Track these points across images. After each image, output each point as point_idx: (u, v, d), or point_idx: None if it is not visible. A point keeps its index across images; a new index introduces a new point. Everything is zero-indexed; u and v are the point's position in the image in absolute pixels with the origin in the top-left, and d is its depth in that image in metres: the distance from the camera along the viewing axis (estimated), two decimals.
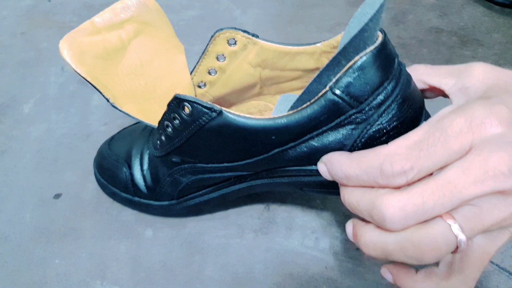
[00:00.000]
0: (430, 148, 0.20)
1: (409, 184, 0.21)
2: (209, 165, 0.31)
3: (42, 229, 0.38)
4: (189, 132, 0.29)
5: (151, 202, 0.37)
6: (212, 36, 0.33)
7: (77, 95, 0.52)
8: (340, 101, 0.24)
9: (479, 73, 0.24)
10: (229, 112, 0.26)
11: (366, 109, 0.24)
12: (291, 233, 0.37)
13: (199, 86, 0.36)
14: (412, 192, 0.20)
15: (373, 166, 0.21)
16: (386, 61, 0.24)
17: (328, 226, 0.37)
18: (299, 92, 0.36)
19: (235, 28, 0.33)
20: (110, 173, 0.38)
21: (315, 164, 0.26)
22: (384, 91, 0.24)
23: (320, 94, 0.24)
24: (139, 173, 0.36)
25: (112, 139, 0.41)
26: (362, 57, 0.23)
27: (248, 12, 0.64)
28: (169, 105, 0.29)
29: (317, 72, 0.31)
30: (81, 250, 0.36)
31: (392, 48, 0.25)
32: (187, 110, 0.28)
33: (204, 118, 0.27)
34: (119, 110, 0.31)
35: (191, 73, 0.36)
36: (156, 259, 0.36)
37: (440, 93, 0.26)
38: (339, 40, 0.30)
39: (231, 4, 0.66)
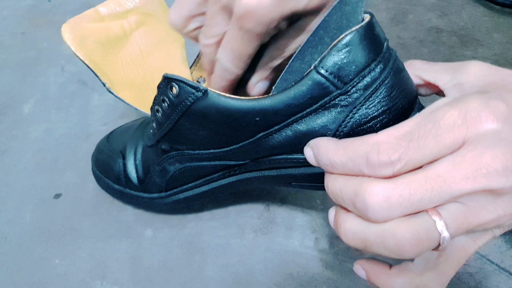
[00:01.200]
0: (420, 139, 0.19)
1: (396, 176, 0.20)
2: (196, 152, 0.31)
3: (42, 229, 0.38)
4: (177, 115, 0.29)
5: (141, 194, 0.37)
6: None
7: (77, 95, 0.52)
8: (325, 80, 0.23)
9: (476, 71, 0.23)
10: (214, 92, 0.26)
11: (352, 91, 0.23)
12: (291, 233, 0.37)
13: (198, 82, 0.37)
14: (399, 183, 0.19)
15: (359, 154, 0.20)
16: (374, 42, 0.23)
17: (328, 226, 0.37)
18: None
19: None
20: (105, 165, 0.38)
21: (302, 153, 0.26)
22: (371, 73, 0.23)
23: (305, 73, 0.24)
24: (132, 164, 0.37)
25: (111, 133, 0.41)
26: (347, 35, 0.22)
27: None
28: (158, 87, 0.30)
29: None
30: (81, 250, 0.36)
31: (380, 31, 0.24)
32: (174, 90, 0.28)
33: (190, 99, 0.27)
34: (115, 96, 0.31)
35: (190, 67, 0.36)
36: (156, 259, 0.36)
37: (435, 90, 0.26)
38: None
39: None
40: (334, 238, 0.36)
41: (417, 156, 0.19)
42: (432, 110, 0.20)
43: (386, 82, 0.23)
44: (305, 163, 0.25)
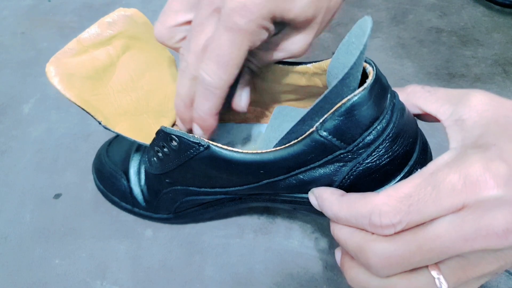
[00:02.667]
0: (420, 203, 0.20)
1: (398, 233, 0.20)
2: (202, 189, 0.32)
3: (42, 229, 0.38)
4: (179, 161, 0.29)
5: (150, 214, 0.37)
6: None
7: None
8: (327, 142, 0.23)
9: (477, 104, 0.22)
10: (217, 146, 0.26)
11: (355, 149, 0.23)
12: (291, 233, 0.37)
13: None
14: (400, 243, 0.20)
15: (362, 214, 0.21)
16: (377, 99, 0.23)
17: (328, 226, 0.37)
18: (294, 103, 0.36)
19: None
20: (110, 183, 0.38)
21: (306, 193, 0.26)
22: (374, 131, 0.23)
23: (307, 134, 0.23)
24: (137, 187, 0.36)
25: (110, 144, 0.40)
26: (350, 100, 0.22)
27: None
28: (157, 133, 0.29)
29: (309, 89, 0.31)
30: (81, 250, 0.36)
31: (384, 81, 0.24)
32: (174, 142, 0.28)
33: (192, 151, 0.27)
34: (112, 132, 0.30)
35: None
36: (156, 259, 0.36)
37: (436, 121, 0.25)
38: (328, 63, 0.28)
39: None
40: (333, 237, 0.36)
41: (417, 219, 0.20)
42: (432, 172, 0.20)
43: (390, 135, 0.23)
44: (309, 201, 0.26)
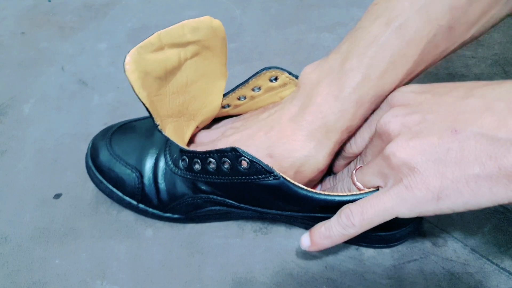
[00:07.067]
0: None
1: None
2: (240, 205, 0.33)
3: (42, 229, 0.38)
4: (237, 179, 0.30)
5: (159, 212, 0.37)
6: (257, 73, 0.33)
7: (77, 95, 0.52)
8: None
9: None
10: (289, 181, 0.28)
11: None
12: (291, 232, 0.37)
13: (223, 107, 0.37)
14: None
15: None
16: None
17: None
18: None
19: (282, 69, 0.33)
20: (116, 177, 0.36)
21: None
22: None
23: (375, 188, 0.28)
24: (151, 184, 0.35)
25: (112, 135, 0.38)
26: None
27: (248, 12, 0.64)
28: (222, 150, 0.29)
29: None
30: (81, 250, 0.37)
31: None
32: (244, 164, 0.28)
33: (260, 177, 0.28)
34: (162, 134, 0.30)
35: (224, 97, 0.36)
36: (156, 259, 0.36)
37: None
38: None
39: (231, 4, 0.66)
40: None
41: None
42: None
43: None
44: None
